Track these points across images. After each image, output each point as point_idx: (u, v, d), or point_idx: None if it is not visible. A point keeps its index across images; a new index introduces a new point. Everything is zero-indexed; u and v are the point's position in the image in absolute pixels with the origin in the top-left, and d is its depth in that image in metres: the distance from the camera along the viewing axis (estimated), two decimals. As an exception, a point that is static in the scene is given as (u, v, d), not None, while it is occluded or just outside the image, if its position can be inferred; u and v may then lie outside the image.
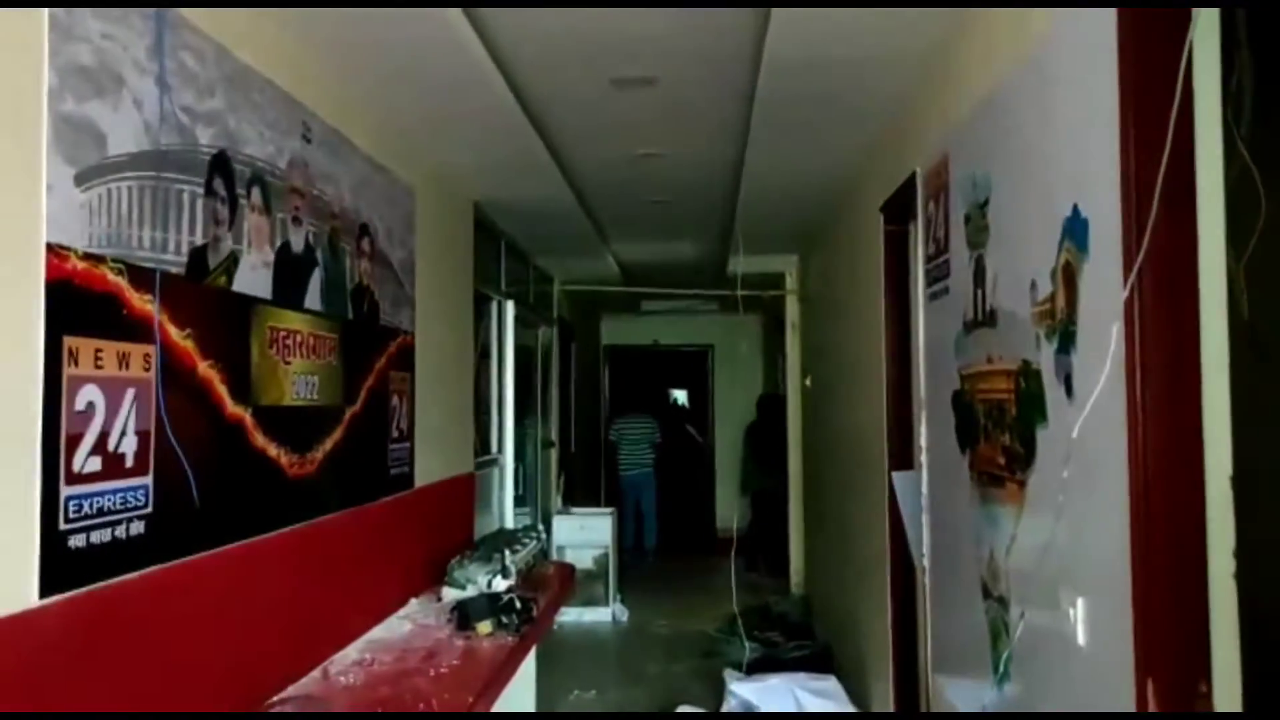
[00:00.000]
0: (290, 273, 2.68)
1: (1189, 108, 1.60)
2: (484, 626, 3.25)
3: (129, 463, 1.90)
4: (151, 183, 2.01)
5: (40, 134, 1.69)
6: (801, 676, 4.40)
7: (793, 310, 7.45)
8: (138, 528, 1.94)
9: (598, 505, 8.67)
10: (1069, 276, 1.91)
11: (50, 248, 1.70)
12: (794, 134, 3.83)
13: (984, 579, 2.45)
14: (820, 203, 5.15)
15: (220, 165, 2.29)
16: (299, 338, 2.72)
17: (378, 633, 3.26)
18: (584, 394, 9.88)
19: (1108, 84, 1.70)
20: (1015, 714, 2.25)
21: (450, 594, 3.61)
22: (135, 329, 1.93)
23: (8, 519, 1.62)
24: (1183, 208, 1.60)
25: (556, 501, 7.84)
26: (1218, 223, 1.61)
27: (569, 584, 4.63)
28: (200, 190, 2.20)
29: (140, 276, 1.95)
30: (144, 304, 1.96)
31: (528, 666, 3.94)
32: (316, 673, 2.77)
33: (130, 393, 1.91)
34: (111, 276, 1.87)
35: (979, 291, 2.50)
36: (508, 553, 3.84)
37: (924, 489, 3.16)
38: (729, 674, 4.77)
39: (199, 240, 2.19)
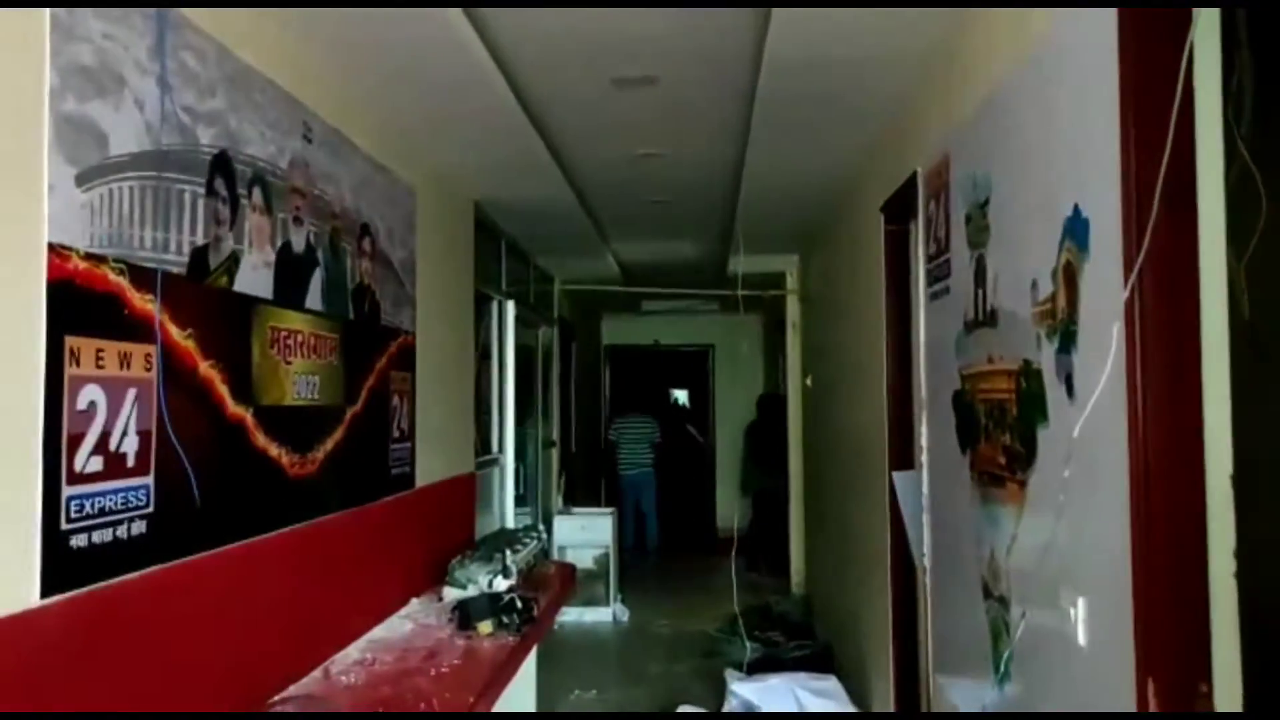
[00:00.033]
0: (291, 273, 2.69)
1: (1189, 108, 1.60)
2: (485, 626, 3.26)
3: (130, 463, 1.91)
4: (153, 183, 2.02)
5: (42, 134, 1.69)
6: (802, 676, 4.40)
7: (793, 310, 7.45)
8: (139, 527, 1.94)
9: (598, 505, 8.67)
10: (1070, 276, 1.91)
11: (52, 248, 1.71)
12: (794, 133, 3.83)
13: (985, 579, 2.45)
14: (821, 202, 5.15)
15: (221, 165, 2.29)
16: (300, 338, 2.72)
17: (379, 632, 3.26)
18: (584, 394, 9.89)
19: (1108, 84, 1.70)
20: (1016, 714, 2.25)
21: (451, 594, 3.61)
22: (136, 329, 1.94)
23: (9, 519, 1.63)
24: (1183, 208, 1.61)
25: (557, 501, 7.84)
26: (1218, 223, 1.61)
27: (570, 584, 4.63)
28: (201, 190, 2.20)
29: (141, 276, 1.95)
30: (145, 304, 1.97)
31: (528, 666, 3.94)
32: (318, 672, 2.78)
33: (131, 393, 1.91)
34: (113, 276, 1.87)
35: (980, 291, 2.50)
36: (509, 552, 3.84)
37: (925, 489, 3.16)
38: (730, 674, 4.77)
39: (200, 240, 2.20)
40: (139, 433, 1.93)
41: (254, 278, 2.46)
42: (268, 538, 2.51)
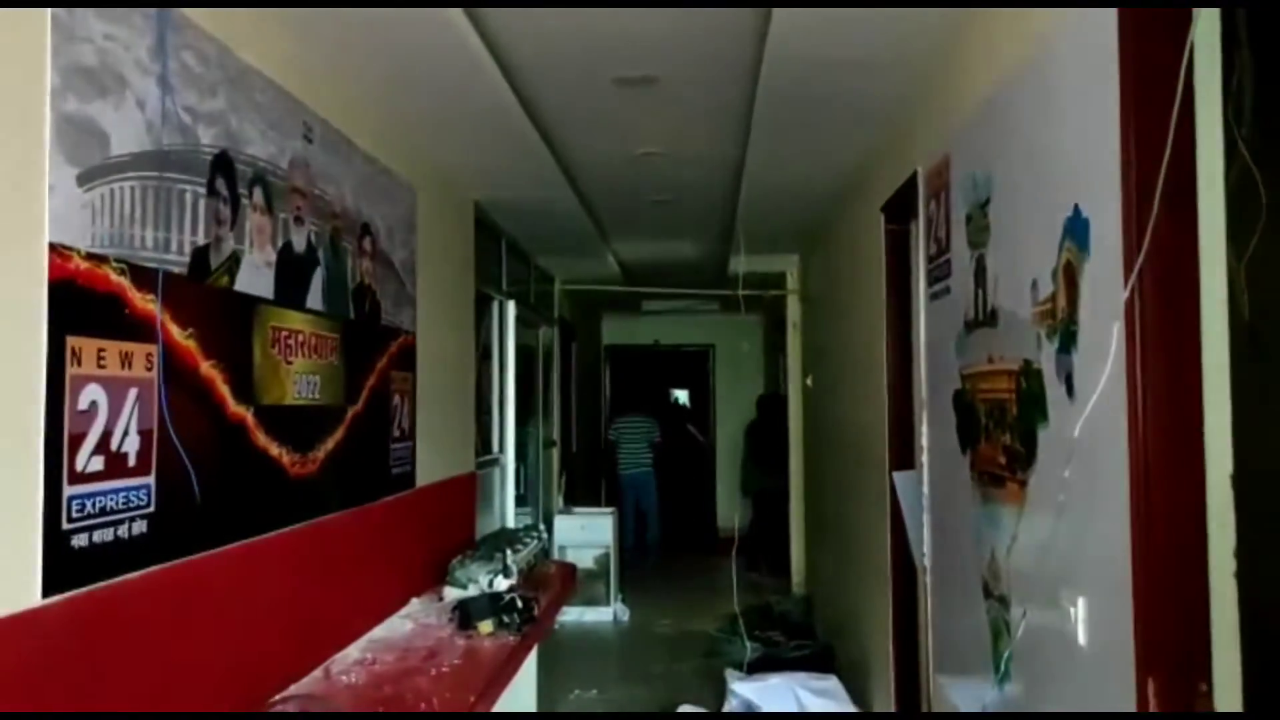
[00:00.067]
0: (292, 272, 2.69)
1: (1189, 108, 1.60)
2: (485, 626, 3.26)
3: (131, 462, 1.91)
4: (154, 183, 2.02)
5: (43, 134, 1.69)
6: (803, 676, 4.40)
7: (794, 310, 7.45)
8: (140, 527, 1.94)
9: (598, 505, 8.68)
10: (1070, 276, 1.91)
11: (53, 248, 1.71)
12: (795, 133, 3.83)
13: (985, 578, 2.45)
14: (821, 202, 5.15)
15: (222, 165, 2.30)
16: (301, 337, 2.73)
17: (379, 632, 3.26)
18: (585, 394, 9.89)
19: (1108, 84, 1.71)
20: (1016, 714, 2.25)
21: (452, 593, 3.61)
22: (138, 329, 1.94)
23: (11, 518, 1.63)
24: (1183, 208, 1.61)
25: (558, 501, 7.84)
26: (1218, 223, 1.61)
27: (570, 583, 4.63)
28: (202, 190, 2.21)
29: (143, 276, 1.96)
30: (146, 304, 1.97)
31: (529, 666, 3.94)
32: (318, 672, 2.78)
33: (133, 392, 1.91)
34: (114, 276, 1.87)
35: (980, 291, 2.51)
36: (509, 552, 3.84)
37: (925, 489, 3.16)
38: (730, 673, 4.77)
39: (201, 240, 2.20)
40: (140, 432, 1.93)
41: (255, 277, 2.46)
42: (268, 537, 2.51)
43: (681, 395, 12.41)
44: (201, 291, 2.21)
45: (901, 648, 3.69)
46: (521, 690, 3.80)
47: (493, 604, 3.36)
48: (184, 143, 2.13)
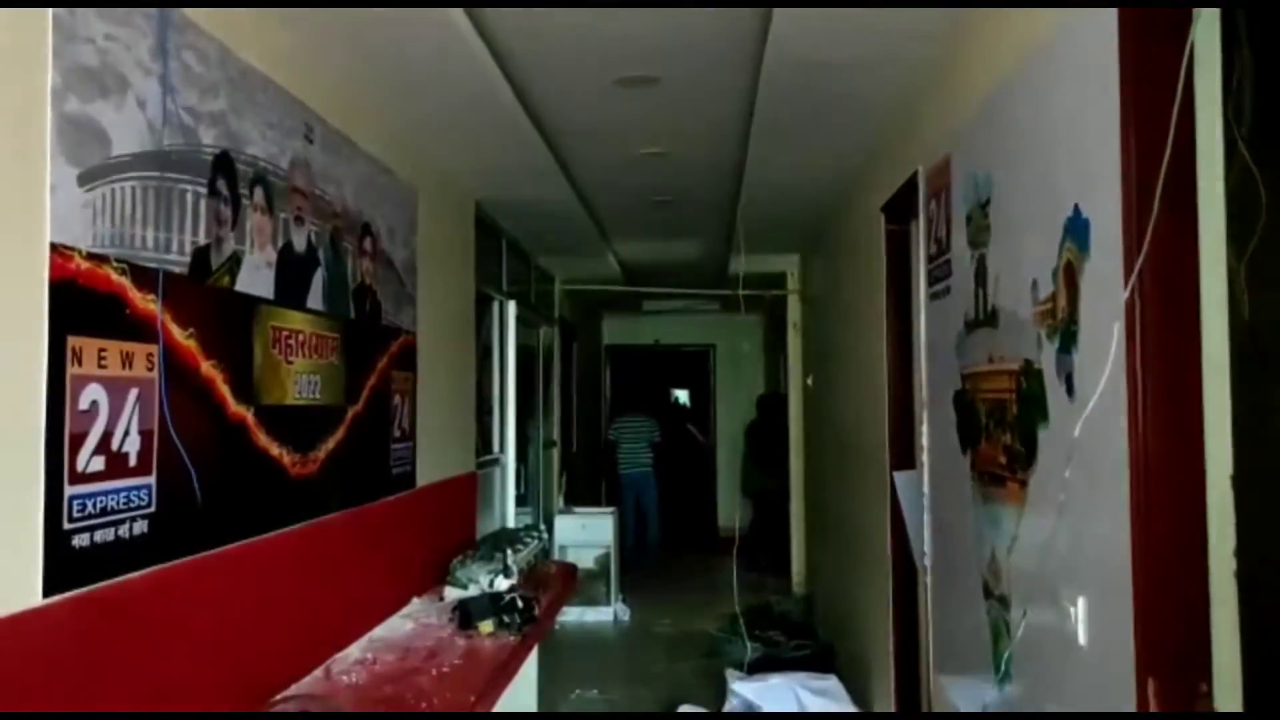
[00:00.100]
0: (293, 272, 2.69)
1: (1189, 108, 1.60)
2: (486, 626, 3.26)
3: (132, 462, 1.91)
4: (155, 183, 2.02)
5: (44, 134, 1.70)
6: (803, 676, 4.40)
7: (794, 310, 7.46)
8: (141, 527, 1.94)
9: (599, 505, 8.68)
10: (1070, 276, 1.91)
11: (54, 248, 1.71)
12: (796, 133, 3.83)
13: (985, 578, 2.45)
14: (822, 202, 5.15)
15: (223, 165, 2.30)
16: (301, 337, 2.73)
17: (380, 632, 3.27)
18: (585, 394, 9.89)
19: (1108, 84, 1.71)
20: (1016, 714, 2.25)
21: (452, 593, 3.62)
22: (138, 329, 1.94)
23: (12, 518, 1.63)
24: (1183, 208, 1.61)
25: (558, 501, 7.84)
26: (1218, 223, 1.61)
27: (570, 583, 4.63)
28: (203, 190, 2.21)
29: (143, 276, 1.96)
30: (147, 304, 1.97)
31: (529, 666, 3.94)
32: (319, 671, 2.78)
33: (133, 392, 1.91)
34: (115, 276, 1.87)
35: (980, 291, 2.51)
36: (509, 552, 3.84)
37: (925, 488, 3.17)
38: (730, 673, 4.77)
39: (202, 240, 2.20)
40: (141, 432, 1.94)
41: (255, 278, 2.46)
42: (269, 537, 2.51)
43: (681, 395, 12.42)
44: (202, 291, 2.21)
45: (902, 647, 3.70)
46: (522, 690, 3.80)
47: (493, 604, 3.37)
48: (185, 143, 2.14)
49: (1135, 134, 1.65)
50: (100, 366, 1.81)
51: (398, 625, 3.35)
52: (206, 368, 2.20)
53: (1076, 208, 1.88)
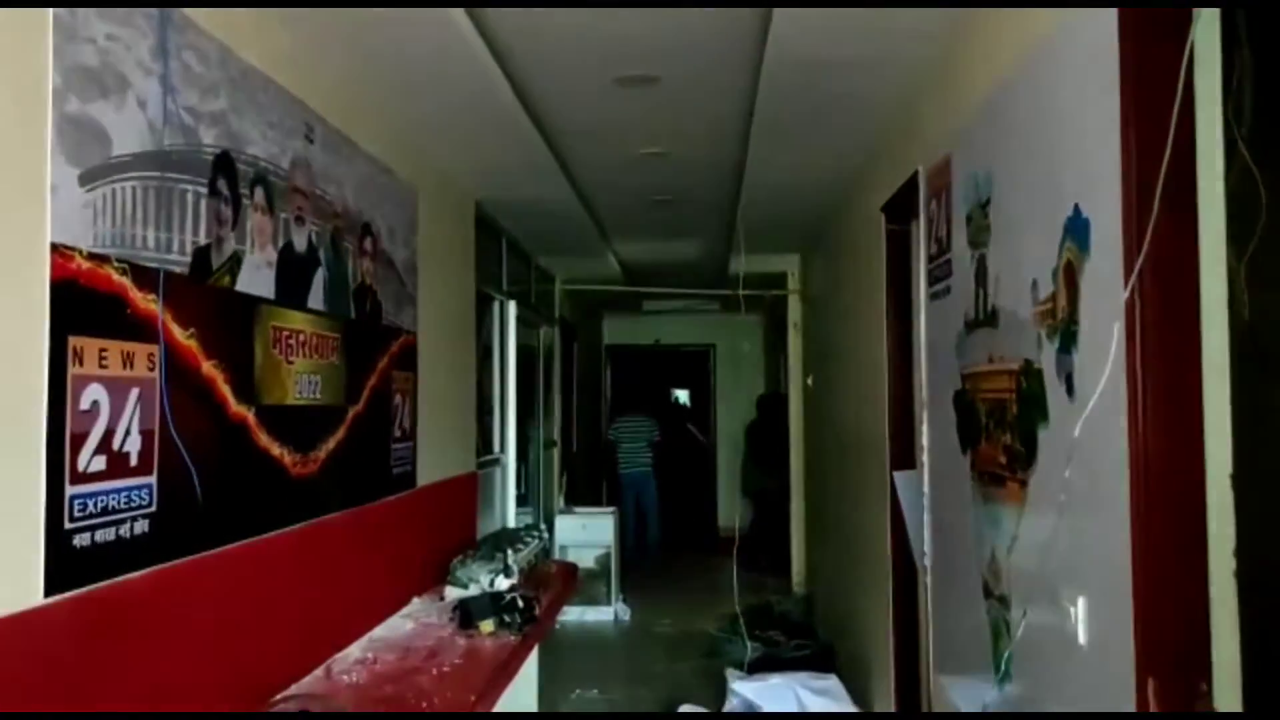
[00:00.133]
0: (293, 272, 2.69)
1: (1190, 108, 1.60)
2: (486, 625, 3.26)
3: (133, 462, 1.91)
4: (155, 183, 2.02)
5: (45, 134, 1.70)
6: (803, 676, 4.40)
7: (794, 310, 7.46)
8: (142, 527, 1.94)
9: (599, 505, 8.68)
10: (1070, 276, 1.91)
11: (55, 248, 1.71)
12: (796, 133, 3.83)
13: (985, 578, 2.45)
14: (822, 202, 5.15)
15: (224, 165, 2.30)
16: (302, 337, 2.73)
17: (380, 631, 3.27)
18: (586, 393, 9.89)
19: (1108, 84, 1.71)
20: (1016, 714, 2.25)
21: (453, 593, 3.62)
22: (139, 329, 1.94)
23: (13, 518, 1.63)
24: (1183, 208, 1.61)
25: (558, 501, 7.84)
26: (1218, 223, 1.61)
27: (571, 583, 4.64)
28: (204, 190, 2.21)
29: (144, 276, 1.96)
30: (148, 304, 1.97)
31: (530, 665, 3.94)
32: (320, 671, 2.78)
33: (134, 392, 1.91)
34: (116, 276, 1.87)
35: (981, 291, 2.51)
36: (510, 552, 3.85)
37: (925, 488, 3.17)
38: (731, 673, 4.77)
39: (202, 240, 2.20)
40: (142, 432, 1.94)
41: (256, 277, 2.46)
42: (270, 537, 2.52)
43: (682, 395, 12.42)
44: (203, 291, 2.21)
45: (902, 647, 3.70)
46: (522, 690, 3.80)
47: (494, 603, 3.37)
48: (185, 143, 2.14)
49: (1135, 134, 1.65)
50: (101, 366, 1.81)
51: (398, 625, 3.36)
52: (207, 368, 2.20)
53: (1077, 207, 1.88)
